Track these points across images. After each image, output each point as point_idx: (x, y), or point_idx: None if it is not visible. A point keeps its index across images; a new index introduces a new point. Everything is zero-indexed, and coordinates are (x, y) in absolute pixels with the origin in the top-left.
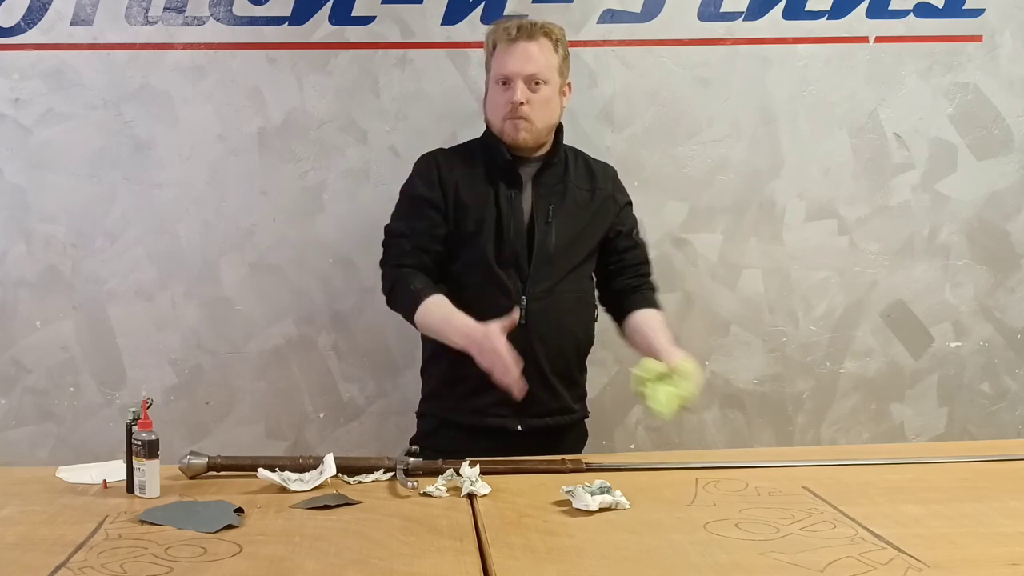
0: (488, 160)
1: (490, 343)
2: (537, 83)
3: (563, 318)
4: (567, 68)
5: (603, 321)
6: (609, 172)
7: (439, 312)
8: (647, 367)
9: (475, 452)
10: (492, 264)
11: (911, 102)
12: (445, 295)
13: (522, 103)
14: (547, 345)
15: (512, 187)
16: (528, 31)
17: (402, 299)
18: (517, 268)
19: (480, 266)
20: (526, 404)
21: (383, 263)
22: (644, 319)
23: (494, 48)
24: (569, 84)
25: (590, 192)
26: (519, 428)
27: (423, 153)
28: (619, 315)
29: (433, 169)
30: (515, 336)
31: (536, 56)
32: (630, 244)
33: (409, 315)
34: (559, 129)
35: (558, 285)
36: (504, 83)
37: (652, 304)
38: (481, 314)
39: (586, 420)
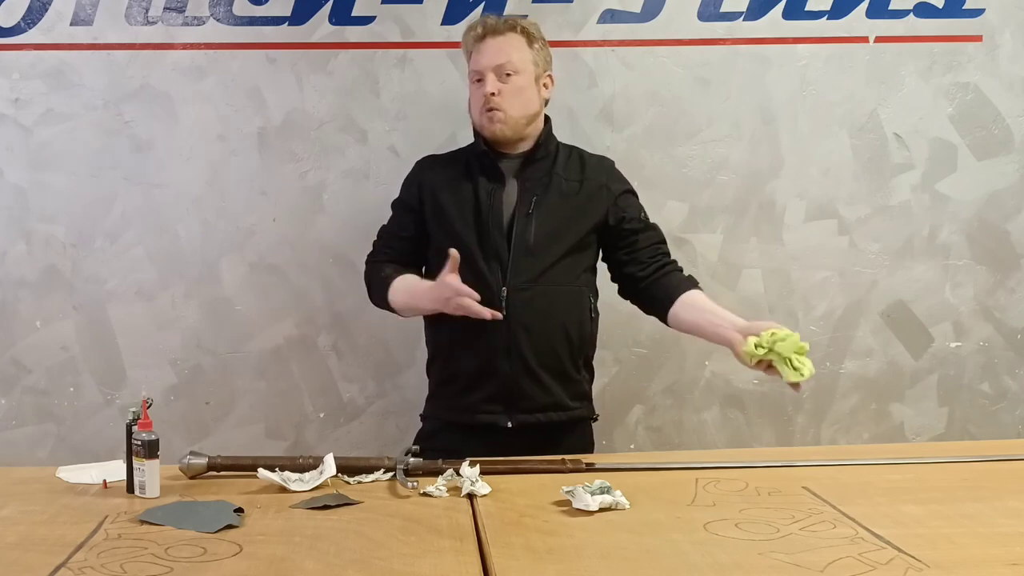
0: (470, 158)
1: (449, 289)
2: (508, 73)
3: (550, 310)
4: (544, 59)
5: (603, 321)
6: (604, 163)
7: (404, 287)
8: (781, 344)
9: (471, 451)
10: (475, 257)
11: (911, 102)
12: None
13: (493, 93)
14: (532, 337)
15: (493, 182)
16: (494, 27)
17: (376, 289)
18: (499, 260)
19: (464, 260)
20: (514, 399)
21: (365, 263)
22: (697, 300)
23: (469, 53)
24: (551, 76)
25: (578, 183)
26: (509, 424)
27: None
28: (655, 303)
29: (414, 174)
30: (498, 328)
31: (504, 48)
32: (639, 227)
33: (384, 301)
34: (547, 123)
35: (542, 277)
36: (478, 80)
37: (693, 284)
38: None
39: (593, 423)
